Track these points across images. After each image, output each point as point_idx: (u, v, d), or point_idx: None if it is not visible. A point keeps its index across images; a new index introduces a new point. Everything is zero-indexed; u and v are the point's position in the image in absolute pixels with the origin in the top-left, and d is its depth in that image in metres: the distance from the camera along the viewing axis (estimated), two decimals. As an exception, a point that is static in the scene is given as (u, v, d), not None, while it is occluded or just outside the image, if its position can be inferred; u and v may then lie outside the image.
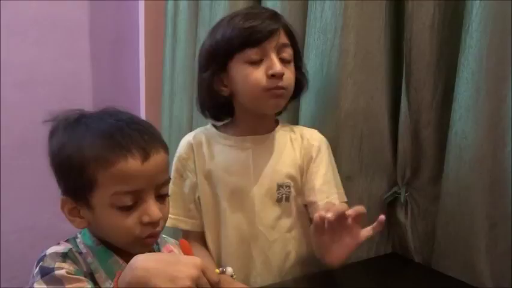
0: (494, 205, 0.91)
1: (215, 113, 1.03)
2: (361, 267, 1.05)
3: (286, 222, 1.00)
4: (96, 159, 0.66)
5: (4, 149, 1.76)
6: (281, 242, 1.00)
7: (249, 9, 1.03)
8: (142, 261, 0.60)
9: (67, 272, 0.65)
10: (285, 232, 1.00)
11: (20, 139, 1.75)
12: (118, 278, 0.61)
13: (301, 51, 1.07)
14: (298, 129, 1.05)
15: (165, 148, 0.72)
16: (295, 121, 1.17)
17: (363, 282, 0.98)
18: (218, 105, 1.00)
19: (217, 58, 0.96)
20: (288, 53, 0.95)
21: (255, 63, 0.93)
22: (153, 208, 0.68)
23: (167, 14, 1.64)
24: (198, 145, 1.02)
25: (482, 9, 0.87)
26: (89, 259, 0.69)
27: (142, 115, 1.87)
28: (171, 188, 0.99)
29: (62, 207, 0.70)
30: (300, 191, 1.00)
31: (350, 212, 0.82)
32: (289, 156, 1.01)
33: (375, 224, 0.83)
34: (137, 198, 0.67)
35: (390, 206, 1.10)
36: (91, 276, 0.68)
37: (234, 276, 0.93)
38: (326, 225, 0.81)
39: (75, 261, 0.68)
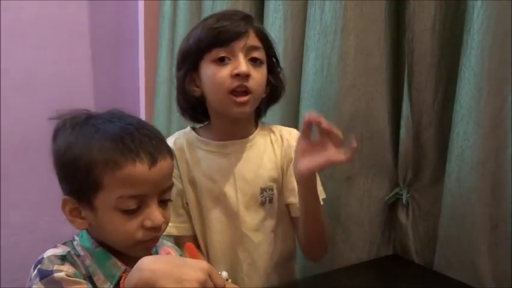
0: (495, 207, 0.91)
1: (192, 114, 1.02)
2: (362, 269, 1.05)
3: (270, 223, 1.01)
4: (104, 161, 0.66)
5: (4, 152, 1.75)
6: (266, 242, 1.01)
7: (223, 11, 1.03)
8: (149, 263, 0.59)
9: (66, 275, 0.64)
10: (269, 233, 1.01)
11: (20, 142, 1.75)
12: (124, 280, 0.61)
13: (301, 53, 1.07)
14: (278, 129, 1.04)
15: (171, 154, 0.72)
16: (294, 123, 1.17)
17: (364, 283, 0.98)
18: (193, 106, 1.00)
19: (189, 58, 0.96)
20: (259, 55, 0.94)
21: (222, 63, 0.93)
22: (156, 213, 0.68)
23: (164, 15, 1.64)
24: (180, 151, 1.00)
25: (484, 10, 0.87)
26: (87, 262, 0.69)
27: (142, 117, 1.87)
28: None
29: (63, 207, 0.70)
30: (281, 192, 1.01)
31: (325, 125, 0.84)
32: (271, 159, 1.01)
33: (348, 151, 0.85)
34: (141, 203, 0.67)
35: (391, 207, 1.10)
36: (89, 279, 0.68)
37: (229, 280, 0.94)
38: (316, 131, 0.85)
39: (73, 264, 0.68)
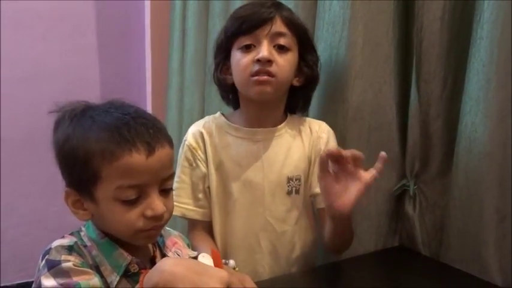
0: (503, 198, 0.91)
1: (229, 101, 1.05)
2: (369, 260, 1.05)
3: (295, 214, 1.01)
4: (101, 152, 0.66)
5: (11, 143, 1.77)
6: (289, 233, 1.01)
7: (254, 1, 1.03)
8: (170, 265, 0.60)
9: (74, 265, 0.65)
10: (293, 224, 1.01)
11: (27, 133, 1.76)
12: (143, 278, 0.61)
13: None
14: (307, 121, 1.05)
15: (170, 143, 0.71)
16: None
17: (371, 274, 0.98)
18: (228, 93, 1.03)
19: (221, 47, 1.00)
20: (285, 41, 0.95)
21: (248, 50, 0.95)
22: (156, 202, 0.68)
23: (174, 7, 1.64)
24: (208, 135, 1.01)
25: (494, 1, 0.86)
26: (94, 252, 0.70)
27: (149, 108, 1.88)
28: (180, 176, 1.01)
29: (66, 199, 0.70)
30: (307, 182, 1.01)
31: (346, 152, 0.84)
32: (299, 149, 1.01)
33: (377, 164, 0.85)
34: (141, 192, 0.67)
35: (398, 199, 1.10)
36: (96, 269, 0.68)
37: (237, 269, 0.94)
38: (331, 166, 0.84)
39: (80, 254, 0.68)
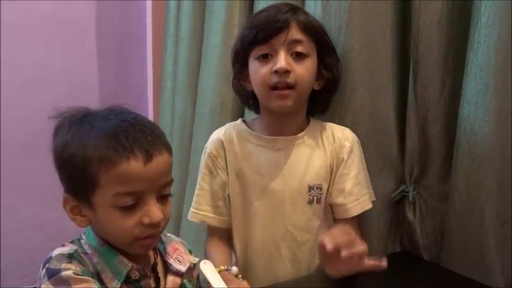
0: (503, 203, 0.90)
1: (252, 106, 1.05)
2: (369, 265, 1.05)
3: (316, 223, 1.00)
4: (99, 159, 0.66)
5: (13, 148, 1.77)
6: (310, 242, 1.00)
7: (269, 6, 1.02)
8: None
9: (74, 273, 0.65)
10: (314, 233, 0.99)
11: (28, 138, 1.76)
12: None
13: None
14: (330, 127, 1.02)
15: (169, 150, 0.71)
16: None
17: (372, 280, 0.98)
18: (248, 100, 1.03)
19: (238, 55, 0.99)
20: (302, 48, 0.94)
21: (266, 59, 0.94)
22: (153, 209, 0.68)
23: (169, 11, 1.64)
24: (229, 142, 1.01)
25: (491, 5, 0.86)
26: (95, 259, 0.70)
27: (150, 114, 1.88)
28: (200, 184, 1.02)
29: (64, 205, 0.71)
30: (328, 191, 1.00)
31: (347, 253, 0.80)
32: (320, 157, 1.00)
33: (375, 264, 0.84)
34: (138, 199, 0.67)
35: (398, 204, 1.09)
36: (98, 276, 0.69)
37: (239, 276, 0.93)
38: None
39: (81, 262, 0.68)
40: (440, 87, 1.00)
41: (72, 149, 0.68)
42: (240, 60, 0.99)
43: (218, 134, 1.03)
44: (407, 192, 1.06)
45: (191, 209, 1.04)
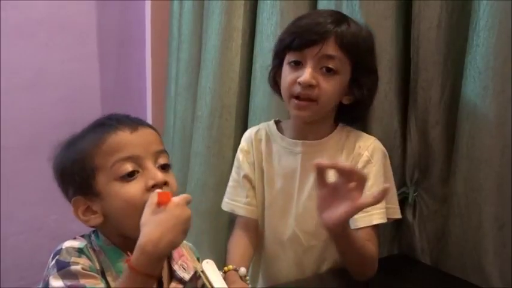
0: (502, 206, 0.91)
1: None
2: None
3: (325, 231, 0.96)
4: (90, 144, 0.71)
5: (12, 151, 1.77)
6: (319, 248, 1.00)
7: (314, 12, 1.03)
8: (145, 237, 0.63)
9: (82, 268, 0.66)
10: (322, 240, 0.99)
11: (28, 140, 1.76)
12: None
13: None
14: (355, 136, 1.00)
15: (154, 129, 0.75)
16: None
17: (370, 282, 0.98)
18: (280, 94, 1.02)
19: (277, 53, 1.00)
20: (334, 64, 0.91)
21: (296, 67, 0.94)
22: (154, 171, 0.70)
23: (172, 15, 1.64)
24: (258, 141, 1.04)
25: (490, 8, 0.87)
26: (102, 257, 0.71)
27: (149, 116, 1.88)
28: (232, 175, 1.06)
29: (76, 212, 0.72)
30: None
31: (345, 166, 0.79)
32: None
33: (376, 193, 0.77)
34: (137, 166, 0.70)
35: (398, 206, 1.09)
36: (102, 274, 0.69)
37: (247, 278, 0.94)
38: (332, 176, 0.79)
39: (89, 258, 0.69)
40: (441, 90, 1.00)
41: (68, 156, 0.73)
42: (277, 58, 1.00)
43: (251, 131, 1.07)
44: (408, 194, 1.06)
45: (224, 198, 1.08)
